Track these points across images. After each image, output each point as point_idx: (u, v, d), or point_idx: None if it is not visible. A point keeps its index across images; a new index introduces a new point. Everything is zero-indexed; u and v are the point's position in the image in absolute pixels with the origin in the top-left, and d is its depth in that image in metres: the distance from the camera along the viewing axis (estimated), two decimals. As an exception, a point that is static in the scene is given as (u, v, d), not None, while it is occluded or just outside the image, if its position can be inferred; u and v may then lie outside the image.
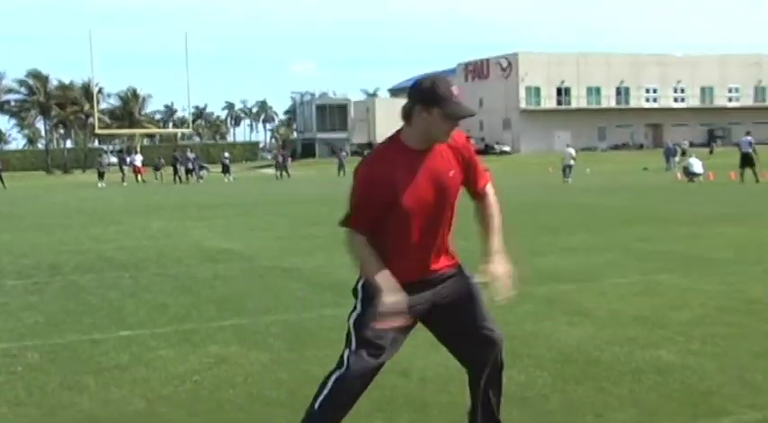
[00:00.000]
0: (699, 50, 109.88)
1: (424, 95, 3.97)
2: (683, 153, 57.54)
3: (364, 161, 4.18)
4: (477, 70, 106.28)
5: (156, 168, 59.50)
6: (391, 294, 4.00)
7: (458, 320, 4.36)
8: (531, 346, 6.91)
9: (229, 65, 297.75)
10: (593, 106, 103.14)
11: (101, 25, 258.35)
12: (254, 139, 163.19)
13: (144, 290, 10.38)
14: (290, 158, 63.30)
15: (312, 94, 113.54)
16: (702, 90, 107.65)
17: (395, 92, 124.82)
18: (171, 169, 56.79)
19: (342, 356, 4.29)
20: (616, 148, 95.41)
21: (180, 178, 55.10)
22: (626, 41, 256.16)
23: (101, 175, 54.80)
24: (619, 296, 9.07)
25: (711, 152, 74.07)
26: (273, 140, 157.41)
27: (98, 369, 6.65)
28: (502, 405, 4.59)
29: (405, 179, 4.00)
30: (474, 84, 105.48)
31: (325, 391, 4.25)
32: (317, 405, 4.26)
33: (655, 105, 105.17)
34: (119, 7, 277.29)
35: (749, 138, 37.23)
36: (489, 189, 4.40)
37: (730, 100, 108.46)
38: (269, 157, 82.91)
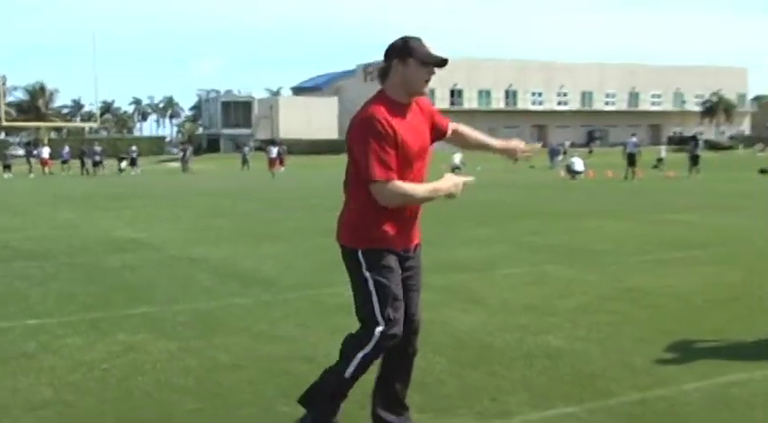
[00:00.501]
0: (580, 58, 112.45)
1: (399, 50, 4.15)
2: (565, 152, 58.57)
3: (362, 114, 4.12)
4: (376, 71, 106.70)
5: (64, 161, 58.02)
6: (446, 180, 4.18)
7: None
8: (429, 333, 6.81)
9: (137, 61, 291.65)
10: (484, 108, 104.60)
11: (6, 18, 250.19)
12: (160, 133, 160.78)
13: (51, 279, 10.05)
14: (189, 152, 61.90)
15: (217, 92, 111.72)
16: (583, 95, 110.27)
17: (297, 91, 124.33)
18: (78, 162, 55.54)
19: (366, 329, 4.22)
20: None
21: (87, 170, 53.90)
22: (514, 48, 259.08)
23: (7, 167, 53.17)
24: (510, 285, 9.13)
25: (591, 152, 75.69)
26: (179, 135, 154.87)
27: (4, 358, 6.38)
28: (408, 389, 4.55)
29: (399, 125, 4.08)
30: (373, 84, 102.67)
31: (359, 358, 4.23)
32: (347, 374, 4.28)
33: (540, 108, 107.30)
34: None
35: (635, 139, 38.82)
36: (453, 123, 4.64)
37: (607, 104, 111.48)
38: (175, 152, 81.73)
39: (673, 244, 12.55)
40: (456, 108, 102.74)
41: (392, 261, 4.19)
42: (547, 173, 46.09)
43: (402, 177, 4.08)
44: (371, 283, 4.15)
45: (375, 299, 4.15)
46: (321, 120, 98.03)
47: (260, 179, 40.86)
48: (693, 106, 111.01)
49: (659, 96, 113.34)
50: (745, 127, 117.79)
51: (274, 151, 46.38)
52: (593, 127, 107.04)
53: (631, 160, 37.16)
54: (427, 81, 4.18)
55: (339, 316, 7.57)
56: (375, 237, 4.16)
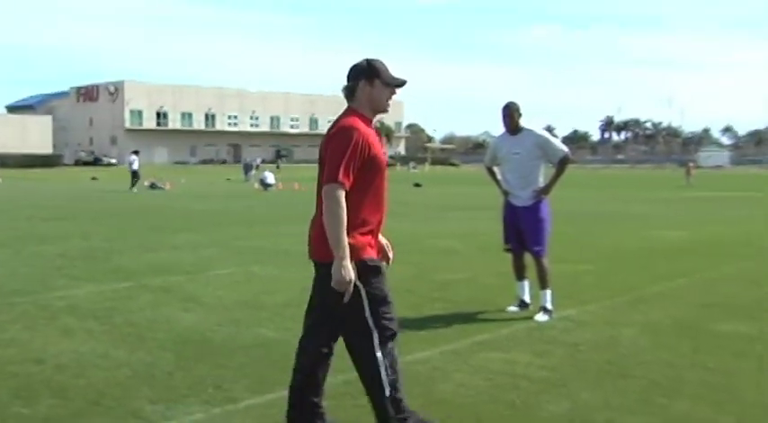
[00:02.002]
0: (270, 87, 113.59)
1: (365, 71, 3.89)
2: (257, 167, 58.67)
3: (343, 124, 3.81)
4: (87, 93, 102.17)
5: None
6: (348, 267, 3.67)
7: None
8: (154, 331, 6.53)
9: None
10: (187, 128, 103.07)
11: None
12: None
13: None
14: None
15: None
16: (272, 119, 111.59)
17: (11, 109, 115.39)
18: None
19: (371, 345, 3.83)
20: (205, 162, 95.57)
21: None
22: (213, 76, 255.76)
23: None
24: (222, 285, 8.89)
25: (278, 167, 76.47)
26: None
27: None
28: None
29: (372, 139, 3.84)
30: (85, 105, 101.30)
31: (388, 379, 3.84)
32: (387, 393, 3.85)
33: (235, 129, 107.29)
34: None
35: None
36: None
37: (292, 127, 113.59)
38: None
39: (354, 245, 12.83)
40: (162, 128, 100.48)
41: (378, 268, 3.91)
42: (242, 185, 45.87)
43: (376, 185, 3.85)
44: (363, 292, 3.78)
45: (367, 307, 3.82)
46: (36, 136, 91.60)
47: (-23, 190, 37.30)
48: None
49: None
50: (401, 149, 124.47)
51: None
52: (280, 146, 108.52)
53: None
54: (389, 100, 3.99)
55: (67, 318, 7.03)
56: (358, 246, 3.77)
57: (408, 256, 11.51)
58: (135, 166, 36.36)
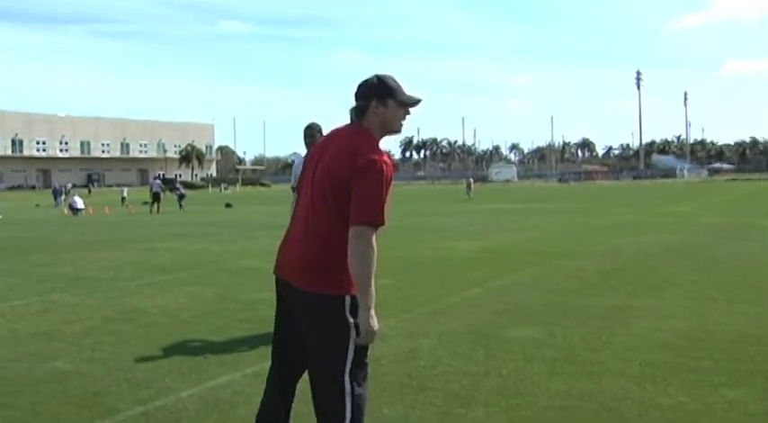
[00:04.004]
0: (79, 112, 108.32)
1: (378, 90, 3.27)
2: (68, 193, 55.50)
3: (379, 153, 3.17)
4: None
5: None
6: (375, 317, 3.11)
7: None
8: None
9: None
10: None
11: None
12: None
13: None
14: None
15: None
16: (82, 144, 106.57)
17: None
18: None
19: (341, 389, 3.17)
20: (13, 188, 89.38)
21: None
22: (20, 101, 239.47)
23: None
24: (18, 316, 8.05)
25: (90, 192, 72.83)
26: None
27: None
28: None
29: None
30: None
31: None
32: None
33: (44, 154, 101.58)
34: None
35: (158, 181, 38.49)
36: None
37: (103, 152, 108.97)
38: None
39: (162, 269, 12.19)
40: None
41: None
42: (51, 211, 43.14)
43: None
44: (353, 330, 3.13)
45: (351, 351, 3.16)
46: None
47: None
48: (173, 154, 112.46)
49: (146, 146, 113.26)
50: (213, 170, 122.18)
51: None
52: (91, 171, 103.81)
53: (156, 197, 36.60)
54: (403, 121, 3.36)
55: None
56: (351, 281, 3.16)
57: (215, 277, 11.07)
58: None
